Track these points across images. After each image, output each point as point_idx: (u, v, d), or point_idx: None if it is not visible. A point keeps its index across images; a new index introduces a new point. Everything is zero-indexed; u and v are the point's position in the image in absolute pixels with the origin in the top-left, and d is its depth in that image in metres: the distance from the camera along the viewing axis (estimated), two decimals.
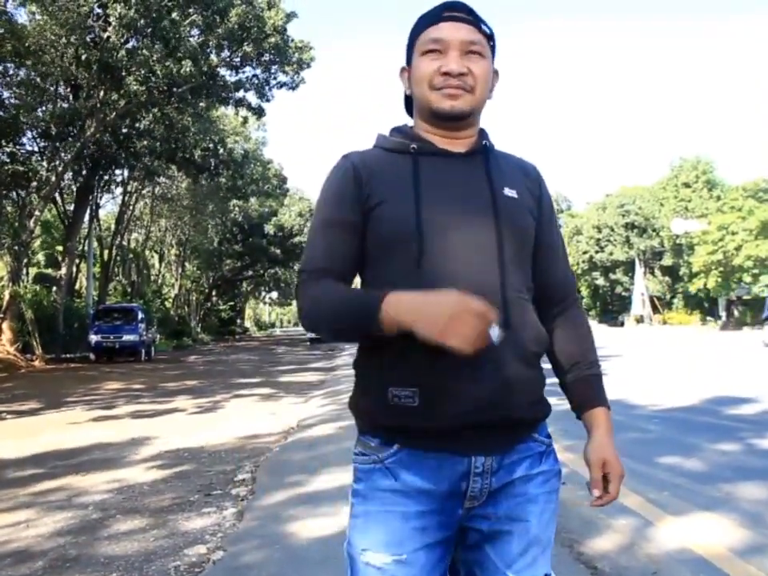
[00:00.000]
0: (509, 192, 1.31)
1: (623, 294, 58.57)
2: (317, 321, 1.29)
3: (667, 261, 53.68)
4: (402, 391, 1.20)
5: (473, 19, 1.30)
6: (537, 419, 1.30)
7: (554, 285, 1.39)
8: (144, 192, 34.96)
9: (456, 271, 1.21)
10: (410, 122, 1.43)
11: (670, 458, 5.22)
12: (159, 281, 43.97)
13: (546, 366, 1.32)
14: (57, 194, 25.56)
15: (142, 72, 19.14)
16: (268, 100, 24.24)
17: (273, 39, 21.85)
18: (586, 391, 1.36)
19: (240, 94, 24.08)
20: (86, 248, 29.33)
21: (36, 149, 23.38)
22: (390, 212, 1.25)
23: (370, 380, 1.27)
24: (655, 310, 54.19)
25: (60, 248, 28.35)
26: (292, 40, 22.98)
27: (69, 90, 22.11)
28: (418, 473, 1.21)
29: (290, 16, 22.43)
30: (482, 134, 1.37)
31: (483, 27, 1.31)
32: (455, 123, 1.31)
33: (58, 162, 21.45)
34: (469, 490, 1.23)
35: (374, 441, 1.26)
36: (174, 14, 19.13)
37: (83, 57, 19.27)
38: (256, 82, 23.67)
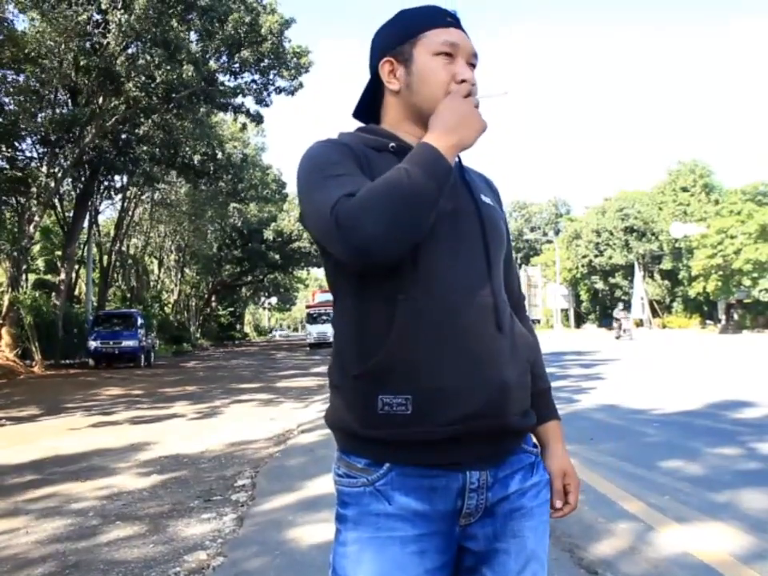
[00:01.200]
0: (485, 199, 1.30)
1: (623, 297, 58.51)
2: (376, 203, 1.06)
3: (666, 265, 53.64)
4: (394, 399, 1.13)
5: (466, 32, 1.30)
6: (527, 429, 1.28)
7: (512, 298, 1.36)
8: (143, 197, 35.00)
9: (450, 273, 1.17)
10: (354, 124, 1.37)
11: (670, 462, 5.21)
12: (158, 286, 43.94)
13: None
14: (56, 200, 25.59)
15: (142, 78, 19.19)
16: (267, 105, 24.30)
17: (271, 44, 21.91)
18: (543, 405, 1.36)
19: (239, 99, 24.17)
20: (85, 254, 29.34)
21: (35, 155, 23.43)
22: None
23: (355, 389, 1.17)
24: (654, 313, 54.16)
25: (59, 254, 28.32)
26: (290, 41, 23.06)
27: (68, 96, 22.15)
28: (411, 494, 1.15)
29: (289, 22, 22.50)
30: None
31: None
32: None
33: (57, 168, 21.49)
34: (464, 507, 1.18)
35: (360, 461, 1.18)
36: (173, 21, 19.19)
37: (82, 63, 19.30)
38: (254, 87, 23.73)
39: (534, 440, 1.33)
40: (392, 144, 1.25)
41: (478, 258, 1.22)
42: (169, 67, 18.95)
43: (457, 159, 1.29)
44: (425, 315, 1.15)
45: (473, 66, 1.28)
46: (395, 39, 1.29)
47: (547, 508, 1.29)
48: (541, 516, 1.26)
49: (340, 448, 1.23)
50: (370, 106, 1.36)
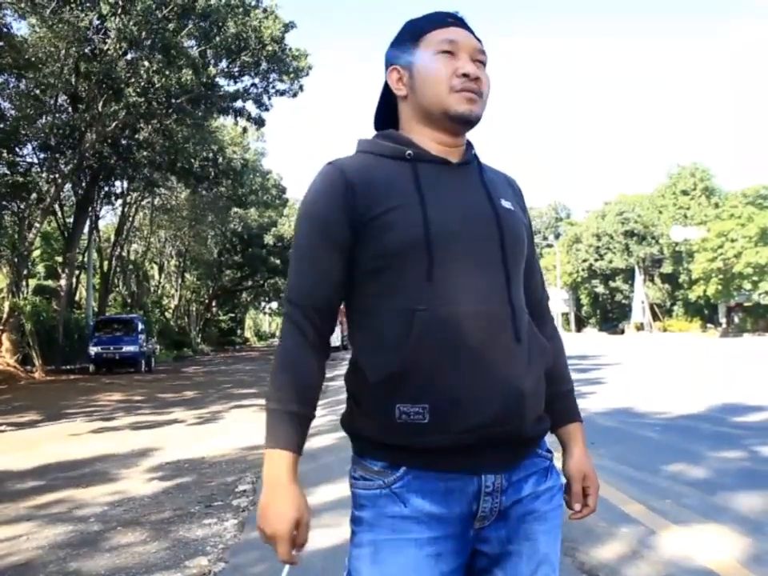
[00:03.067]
0: (505, 203, 1.29)
1: (623, 301, 58.55)
2: (273, 369, 1.24)
3: (667, 268, 53.68)
4: (412, 408, 1.14)
5: (472, 31, 1.31)
6: (542, 434, 1.28)
7: (533, 300, 1.36)
8: (143, 203, 35.04)
9: (466, 283, 1.17)
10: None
11: (672, 465, 5.21)
12: (159, 291, 43.97)
13: None
14: (56, 206, 25.60)
15: (141, 83, 19.23)
16: (267, 109, 24.32)
17: (270, 48, 21.93)
18: (564, 407, 1.37)
19: (239, 103, 24.18)
20: (85, 259, 29.37)
21: (36, 160, 23.46)
22: (398, 220, 1.18)
23: (372, 397, 1.18)
24: (655, 317, 54.17)
25: (60, 259, 28.35)
26: (289, 48, 23.07)
27: (68, 101, 22.19)
28: (427, 497, 1.16)
29: (288, 26, 22.53)
30: (469, 144, 1.34)
31: (480, 41, 1.31)
32: (466, 129, 1.28)
33: (57, 174, 21.51)
34: (479, 511, 1.19)
35: (376, 464, 1.19)
36: (171, 25, 19.24)
37: (83, 69, 19.36)
38: (254, 91, 23.75)
39: (548, 445, 1.32)
40: (409, 152, 1.26)
41: (495, 267, 1.21)
42: (168, 72, 19.00)
43: (476, 162, 1.33)
44: (440, 327, 1.15)
45: (481, 63, 1.29)
46: (400, 48, 1.32)
47: (560, 512, 1.28)
48: (554, 520, 1.26)
49: (356, 451, 1.24)
50: (388, 117, 1.38)
